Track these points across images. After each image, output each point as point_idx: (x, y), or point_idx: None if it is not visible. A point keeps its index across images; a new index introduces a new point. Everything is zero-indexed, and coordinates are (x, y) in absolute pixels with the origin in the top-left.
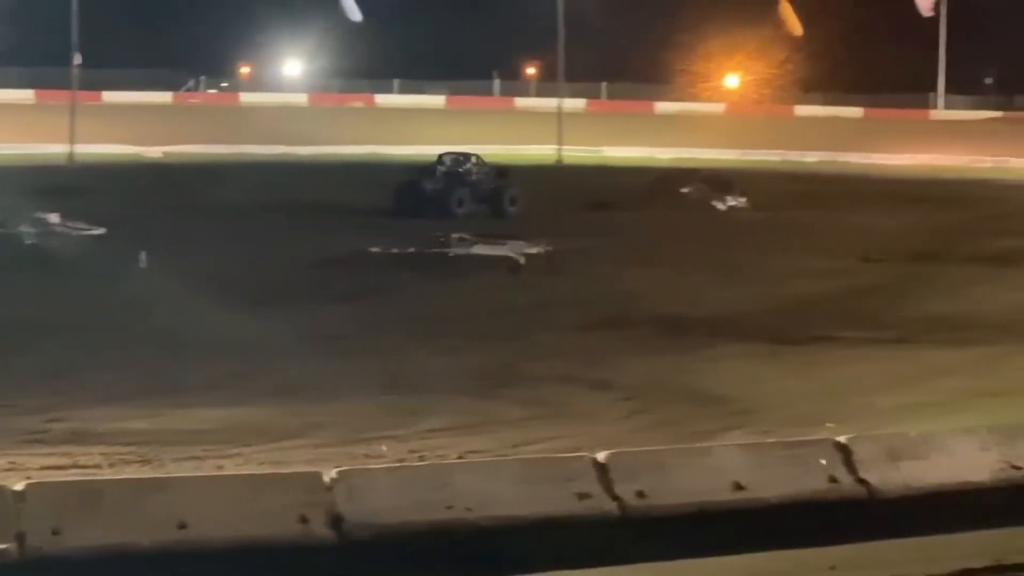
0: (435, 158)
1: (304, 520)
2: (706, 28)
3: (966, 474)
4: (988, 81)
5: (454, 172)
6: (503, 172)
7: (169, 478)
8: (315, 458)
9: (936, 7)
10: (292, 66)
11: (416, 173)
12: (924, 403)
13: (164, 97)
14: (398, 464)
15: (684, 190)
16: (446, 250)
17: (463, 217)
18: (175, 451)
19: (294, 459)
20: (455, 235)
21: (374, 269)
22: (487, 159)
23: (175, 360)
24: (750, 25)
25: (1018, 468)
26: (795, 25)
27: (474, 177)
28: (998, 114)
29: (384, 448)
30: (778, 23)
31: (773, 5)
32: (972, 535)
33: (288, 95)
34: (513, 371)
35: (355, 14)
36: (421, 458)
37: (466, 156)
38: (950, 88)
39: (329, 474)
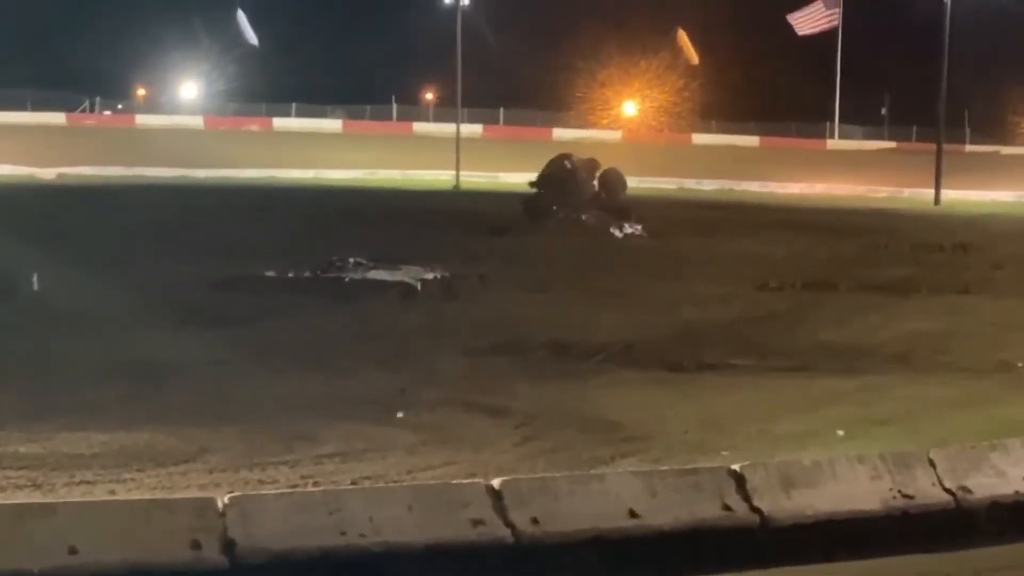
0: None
1: (197, 545)
2: (604, 56)
3: (857, 502)
4: (883, 111)
5: None
6: None
7: (59, 503)
8: (208, 483)
9: (816, 32)
10: (188, 88)
11: None
12: (815, 431)
13: (58, 118)
14: (291, 490)
15: (582, 217)
16: (341, 274)
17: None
18: (66, 475)
19: (187, 484)
20: (351, 259)
21: (269, 292)
22: None
23: (65, 383)
24: (648, 54)
25: (908, 496)
26: (692, 54)
27: None
28: (892, 144)
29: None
30: (675, 52)
31: (670, 34)
32: (863, 563)
33: (184, 117)
34: (406, 396)
35: (251, 37)
36: (314, 483)
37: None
38: (846, 118)
39: (222, 499)
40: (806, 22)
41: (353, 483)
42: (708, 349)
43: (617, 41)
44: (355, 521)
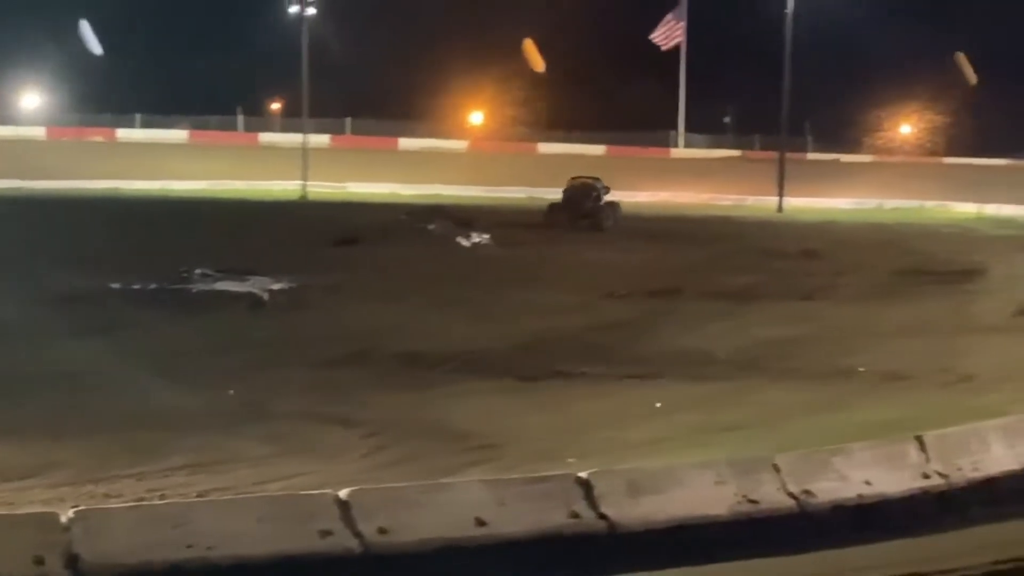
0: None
1: (40, 561)
2: (451, 65)
3: (704, 507)
4: (727, 120)
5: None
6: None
7: None
8: (52, 498)
9: (676, 45)
10: (30, 98)
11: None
12: (665, 437)
13: None
14: (137, 503)
15: (430, 226)
16: (188, 286)
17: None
18: None
19: (30, 499)
20: (198, 270)
21: (115, 305)
22: None
23: None
24: (494, 62)
25: (754, 501)
26: (538, 63)
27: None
28: (736, 153)
29: None
30: (521, 60)
31: (517, 43)
32: (710, 568)
33: (25, 128)
34: (255, 407)
35: (95, 47)
36: (161, 496)
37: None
38: (691, 127)
39: (66, 514)
40: (666, 38)
41: (201, 495)
42: (557, 357)
43: (464, 51)
44: (203, 534)
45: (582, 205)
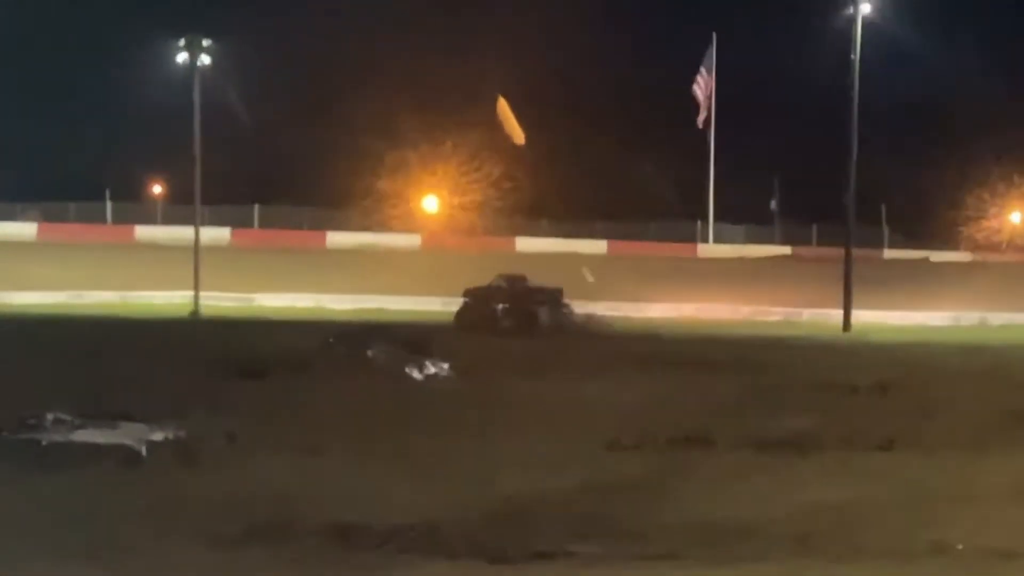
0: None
1: None
2: (398, 133)
3: None
4: (772, 206)
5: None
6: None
7: None
8: None
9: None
10: None
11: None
12: None
13: None
14: None
15: (368, 353)
16: (37, 436)
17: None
18: None
19: None
20: (50, 415)
21: None
22: None
23: None
24: (456, 131)
25: None
26: (516, 132)
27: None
28: (786, 250)
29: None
30: (495, 128)
31: (490, 107)
32: None
33: None
34: None
35: None
36: None
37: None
38: (723, 215)
39: None
40: (702, 96)
41: None
42: (541, 531)
43: (416, 113)
44: None
45: (528, 306)
